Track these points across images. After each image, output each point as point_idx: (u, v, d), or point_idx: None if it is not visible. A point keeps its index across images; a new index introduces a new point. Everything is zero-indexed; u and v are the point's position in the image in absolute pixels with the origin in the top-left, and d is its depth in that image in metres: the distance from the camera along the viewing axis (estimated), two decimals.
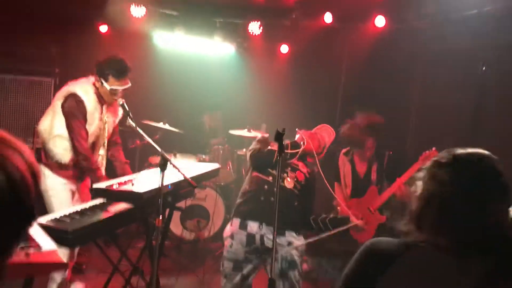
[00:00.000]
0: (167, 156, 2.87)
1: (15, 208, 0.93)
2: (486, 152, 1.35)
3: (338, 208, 4.38)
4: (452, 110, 4.76)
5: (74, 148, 3.46)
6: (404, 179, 3.95)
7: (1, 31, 4.82)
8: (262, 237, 3.03)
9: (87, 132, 3.52)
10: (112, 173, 3.85)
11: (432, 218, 1.29)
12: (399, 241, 1.32)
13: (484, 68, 4.31)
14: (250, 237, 3.04)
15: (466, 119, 4.40)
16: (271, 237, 2.88)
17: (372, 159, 4.19)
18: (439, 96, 4.99)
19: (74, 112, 3.45)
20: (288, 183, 3.12)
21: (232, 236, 3.10)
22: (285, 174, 3.15)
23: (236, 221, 3.11)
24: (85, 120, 3.50)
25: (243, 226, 3.07)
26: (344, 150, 4.37)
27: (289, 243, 3.03)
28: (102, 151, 3.77)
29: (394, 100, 5.37)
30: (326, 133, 3.23)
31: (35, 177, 1.00)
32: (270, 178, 3.10)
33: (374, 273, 1.28)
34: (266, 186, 3.09)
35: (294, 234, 3.08)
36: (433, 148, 3.85)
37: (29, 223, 1.00)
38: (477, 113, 4.31)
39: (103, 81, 3.49)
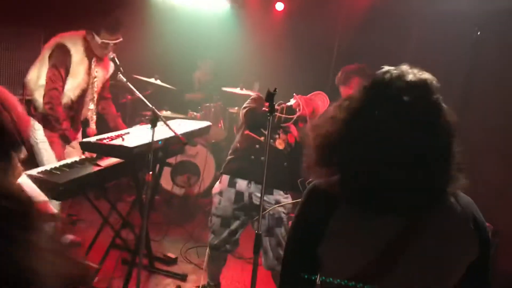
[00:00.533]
0: (158, 112, 2.87)
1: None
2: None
3: None
4: (445, 75, 4.75)
5: (45, 96, 3.44)
6: None
7: None
8: (250, 194, 3.08)
9: (63, 85, 3.48)
10: (104, 126, 3.85)
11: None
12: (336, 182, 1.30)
13: (479, 33, 4.27)
14: (239, 194, 3.10)
15: (458, 85, 4.40)
16: (259, 195, 2.92)
17: None
18: (433, 59, 4.97)
19: (55, 63, 3.43)
20: (279, 144, 3.14)
21: (220, 193, 3.15)
22: (277, 136, 3.17)
23: (225, 178, 3.15)
24: (67, 71, 3.47)
25: (232, 184, 3.11)
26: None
27: (277, 201, 3.09)
28: (92, 106, 3.76)
29: (387, 58, 5.35)
30: (320, 101, 3.24)
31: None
32: (262, 138, 3.12)
33: (321, 215, 1.28)
34: (257, 146, 3.11)
35: (281, 193, 3.13)
36: None
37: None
38: (470, 78, 4.31)
39: (95, 34, 3.45)
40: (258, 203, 2.89)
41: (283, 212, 3.11)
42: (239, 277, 3.87)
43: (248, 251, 3.98)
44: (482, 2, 4.26)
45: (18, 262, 0.69)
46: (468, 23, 4.31)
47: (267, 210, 2.98)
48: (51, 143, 3.55)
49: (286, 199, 3.13)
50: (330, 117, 1.27)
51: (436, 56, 4.61)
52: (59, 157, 3.51)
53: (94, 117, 3.80)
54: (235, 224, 3.13)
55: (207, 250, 3.25)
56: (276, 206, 3.01)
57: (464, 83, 4.28)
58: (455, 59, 4.42)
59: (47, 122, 3.51)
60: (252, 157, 3.09)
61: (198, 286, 3.54)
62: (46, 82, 3.43)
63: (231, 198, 3.11)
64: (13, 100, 1.44)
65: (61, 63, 3.43)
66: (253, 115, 3.13)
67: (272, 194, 3.10)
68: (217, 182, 3.24)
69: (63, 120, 3.48)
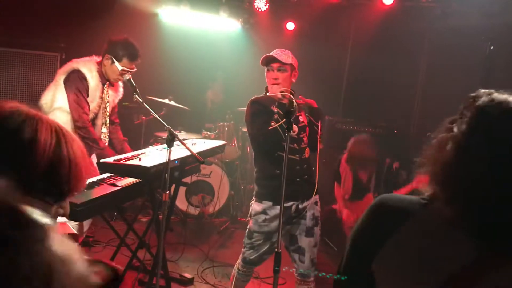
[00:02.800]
0: (174, 132, 2.90)
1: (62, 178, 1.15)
2: None
3: (336, 207, 4.51)
4: (459, 90, 4.74)
5: (75, 121, 3.49)
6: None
7: (8, 6, 4.80)
8: (297, 206, 3.10)
9: (88, 107, 3.55)
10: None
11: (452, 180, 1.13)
12: (411, 198, 1.23)
13: (492, 48, 4.28)
14: (286, 208, 3.06)
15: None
16: (303, 205, 3.09)
17: (373, 169, 4.29)
18: (446, 75, 4.97)
19: (78, 87, 3.48)
20: (306, 153, 3.16)
21: (264, 212, 3.10)
22: (302, 144, 3.16)
23: (268, 203, 3.12)
24: (88, 96, 3.54)
25: (277, 203, 3.07)
26: (345, 157, 4.43)
27: (316, 202, 3.16)
28: (104, 129, 3.81)
29: (399, 78, 5.36)
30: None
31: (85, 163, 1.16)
32: (297, 156, 3.10)
33: (385, 230, 1.21)
34: (297, 167, 3.09)
35: (317, 196, 3.19)
36: None
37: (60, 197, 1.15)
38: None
39: (115, 60, 3.50)
40: (301, 209, 3.05)
41: (319, 212, 3.18)
42: None
43: (263, 271, 3.96)
44: (493, 16, 4.27)
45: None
46: (480, 38, 4.31)
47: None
48: None
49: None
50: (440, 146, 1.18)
51: (449, 70, 4.62)
52: None
53: (107, 140, 3.84)
54: (276, 236, 3.11)
55: (235, 268, 3.27)
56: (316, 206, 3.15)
57: None
58: (468, 73, 4.42)
59: None
60: (298, 179, 3.08)
61: None
62: (74, 108, 3.47)
63: (277, 214, 3.04)
64: (78, 146, 1.21)
65: (83, 88, 3.50)
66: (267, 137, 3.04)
67: (310, 198, 3.13)
68: (254, 204, 3.17)
69: (99, 140, 3.54)
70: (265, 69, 3.11)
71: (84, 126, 3.49)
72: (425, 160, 1.21)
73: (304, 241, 3.11)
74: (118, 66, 3.50)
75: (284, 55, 3.06)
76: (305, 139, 3.14)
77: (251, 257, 3.18)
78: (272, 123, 2.96)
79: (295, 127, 3.06)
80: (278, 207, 3.02)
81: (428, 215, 1.18)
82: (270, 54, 3.05)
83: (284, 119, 2.42)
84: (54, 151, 1.10)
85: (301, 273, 3.14)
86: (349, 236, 1.34)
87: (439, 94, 5.13)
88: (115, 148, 3.91)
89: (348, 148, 4.36)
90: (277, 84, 3.03)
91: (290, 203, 3.06)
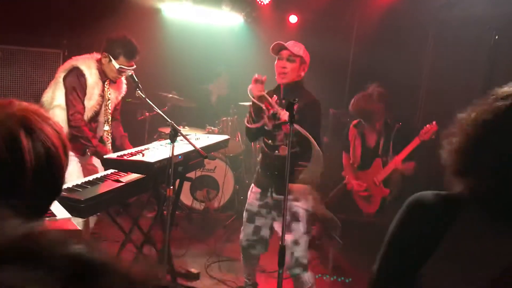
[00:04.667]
0: (177, 127, 2.89)
1: (51, 178, 1.05)
2: None
3: (346, 177, 4.42)
4: (463, 82, 4.70)
5: (68, 120, 3.48)
6: (403, 156, 3.98)
7: (9, 2, 4.80)
8: (271, 193, 3.27)
9: (84, 107, 3.54)
10: (111, 146, 3.89)
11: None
12: (445, 195, 1.20)
13: (496, 38, 4.23)
14: (264, 192, 3.30)
15: (477, 91, 4.34)
16: (277, 195, 3.21)
17: (381, 130, 4.19)
18: (450, 66, 4.92)
19: (74, 86, 3.48)
20: (283, 151, 3.19)
21: (251, 189, 3.41)
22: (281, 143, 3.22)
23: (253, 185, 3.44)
24: (84, 94, 3.53)
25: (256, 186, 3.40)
26: (354, 122, 4.37)
27: (296, 199, 3.18)
28: (107, 127, 3.81)
29: (404, 70, 5.32)
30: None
31: (65, 148, 1.07)
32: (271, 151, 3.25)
33: (431, 231, 1.16)
34: (268, 160, 3.29)
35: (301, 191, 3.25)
36: (433, 122, 3.85)
37: (58, 194, 1.07)
38: (488, 82, 4.25)
39: (112, 59, 3.49)
40: (278, 199, 3.13)
41: (301, 208, 3.17)
42: None
43: (270, 264, 3.96)
44: (498, 5, 4.22)
45: None
46: (485, 27, 4.26)
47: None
48: (69, 162, 3.58)
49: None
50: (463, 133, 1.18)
51: (454, 61, 4.58)
52: (78, 176, 3.54)
53: (110, 138, 3.84)
54: (259, 221, 3.32)
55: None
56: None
57: (482, 87, 4.23)
58: (473, 63, 4.37)
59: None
60: (268, 172, 3.28)
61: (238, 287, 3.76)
62: (69, 106, 3.47)
63: (257, 195, 3.32)
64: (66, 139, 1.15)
65: (79, 86, 3.49)
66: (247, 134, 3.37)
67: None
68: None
69: (92, 138, 3.53)
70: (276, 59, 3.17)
71: (76, 125, 3.48)
72: (454, 157, 1.18)
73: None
74: (115, 64, 3.48)
75: (296, 47, 3.12)
76: (279, 137, 3.18)
77: (242, 242, 3.40)
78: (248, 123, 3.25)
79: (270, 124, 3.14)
80: (259, 189, 3.33)
81: (469, 211, 1.16)
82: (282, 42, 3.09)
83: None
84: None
85: (291, 272, 3.19)
86: (387, 238, 1.28)
87: (443, 85, 5.09)
88: (114, 143, 3.91)
89: (352, 104, 4.25)
90: (284, 73, 3.06)
91: (267, 189, 3.27)
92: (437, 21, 5.18)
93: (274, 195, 3.22)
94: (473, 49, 4.49)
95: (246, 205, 3.41)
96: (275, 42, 3.13)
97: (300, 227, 3.14)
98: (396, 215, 1.26)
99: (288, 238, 3.09)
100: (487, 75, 4.26)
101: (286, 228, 3.07)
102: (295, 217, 3.15)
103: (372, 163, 4.21)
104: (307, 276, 3.18)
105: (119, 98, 3.89)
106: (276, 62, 3.15)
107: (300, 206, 3.16)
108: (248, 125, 3.22)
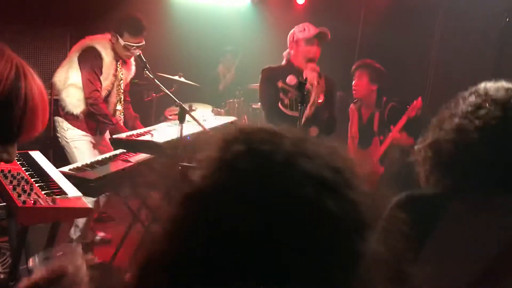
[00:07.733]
0: (185, 107, 2.90)
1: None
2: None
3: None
4: (473, 63, 4.66)
5: (86, 98, 3.51)
6: (398, 128, 3.99)
7: None
8: None
9: (101, 85, 3.56)
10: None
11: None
12: (433, 194, 1.22)
13: (508, 20, 4.18)
14: None
15: (487, 72, 4.31)
16: None
17: (375, 107, 4.21)
18: (459, 48, 4.88)
19: (92, 64, 3.49)
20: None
21: None
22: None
23: None
24: (101, 73, 3.55)
25: None
26: (355, 101, 4.40)
27: None
28: (119, 107, 3.83)
29: (412, 51, 5.27)
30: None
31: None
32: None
33: (421, 227, 1.13)
34: None
35: None
36: (419, 98, 3.88)
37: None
38: (498, 67, 4.22)
39: (118, 37, 3.51)
40: None
41: None
42: None
43: None
44: None
45: None
46: (496, 9, 4.22)
47: None
48: (82, 142, 3.61)
49: None
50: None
51: (463, 42, 4.54)
52: (90, 156, 3.57)
53: (122, 117, 3.86)
54: None
55: None
56: None
57: (493, 70, 4.20)
58: (483, 45, 4.34)
59: (74, 122, 3.59)
60: None
61: None
62: (86, 85, 3.49)
63: None
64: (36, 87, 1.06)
65: (96, 66, 3.51)
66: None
67: None
68: None
69: (111, 116, 3.56)
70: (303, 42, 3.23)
71: (95, 103, 3.51)
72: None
73: None
74: (121, 41, 3.50)
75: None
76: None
77: None
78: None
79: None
80: None
81: (455, 205, 1.18)
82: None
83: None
84: (10, 85, 0.97)
85: None
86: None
87: (452, 67, 5.05)
88: (126, 124, 3.93)
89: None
90: (314, 61, 3.18)
91: None
92: (447, 1, 5.12)
93: None
94: (484, 30, 4.45)
95: None
96: (317, 29, 3.18)
97: None
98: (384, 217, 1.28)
99: None
100: (498, 57, 4.22)
101: None
102: None
103: (371, 143, 4.24)
104: None
105: (128, 79, 3.91)
106: (304, 46, 3.14)
107: None
108: (286, 111, 3.15)
